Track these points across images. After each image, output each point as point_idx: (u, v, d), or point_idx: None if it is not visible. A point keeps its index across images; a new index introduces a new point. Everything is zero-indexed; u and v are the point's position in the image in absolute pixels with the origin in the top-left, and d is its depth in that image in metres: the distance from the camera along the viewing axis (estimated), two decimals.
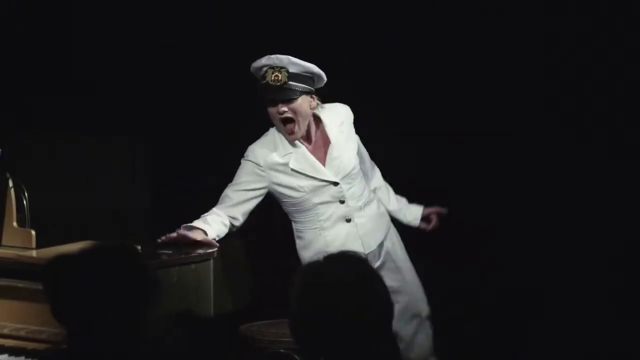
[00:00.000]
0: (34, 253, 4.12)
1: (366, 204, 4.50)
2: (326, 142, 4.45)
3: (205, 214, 4.42)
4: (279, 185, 4.42)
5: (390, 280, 4.36)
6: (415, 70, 5.10)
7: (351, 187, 4.44)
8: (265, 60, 4.33)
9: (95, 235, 3.88)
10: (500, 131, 5.13)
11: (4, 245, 4.19)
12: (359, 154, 4.54)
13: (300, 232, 4.48)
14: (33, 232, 4.16)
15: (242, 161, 4.46)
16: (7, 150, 4.25)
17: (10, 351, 3.99)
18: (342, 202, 4.43)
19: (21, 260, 4.06)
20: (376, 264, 4.45)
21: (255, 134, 4.73)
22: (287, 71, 4.32)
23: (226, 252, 4.46)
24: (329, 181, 4.41)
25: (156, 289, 2.88)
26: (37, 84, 5.38)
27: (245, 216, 4.44)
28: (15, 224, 4.20)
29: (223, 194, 4.45)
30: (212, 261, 4.32)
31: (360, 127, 4.57)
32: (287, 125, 4.36)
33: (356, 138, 4.55)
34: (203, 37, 5.34)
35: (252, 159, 4.43)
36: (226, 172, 4.78)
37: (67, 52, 5.39)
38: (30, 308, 3.98)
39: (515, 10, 5.12)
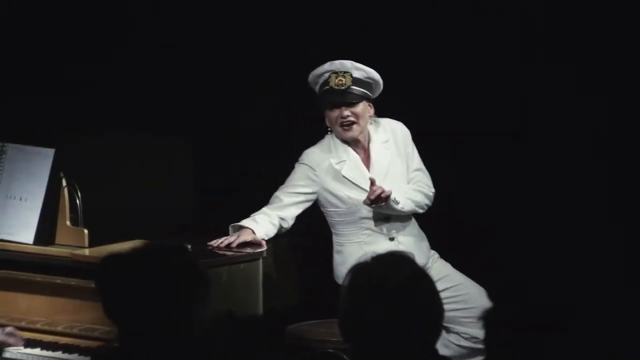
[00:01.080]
0: (86, 252, 4.16)
1: (409, 225, 4.52)
2: (369, 158, 4.49)
3: (255, 214, 4.46)
4: (329, 192, 4.46)
5: (448, 292, 4.39)
6: (414, 70, 5.06)
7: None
8: (328, 66, 4.40)
9: (147, 234, 3.93)
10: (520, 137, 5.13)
11: (58, 244, 4.24)
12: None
13: (341, 245, 4.50)
14: (86, 231, 4.21)
15: (296, 165, 4.51)
16: (60, 149, 4.30)
17: (64, 348, 4.03)
18: (387, 219, 4.46)
19: (74, 258, 4.11)
20: None
21: (301, 136, 4.76)
22: (351, 75, 4.39)
23: (275, 251, 4.48)
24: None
25: (206, 287, 2.90)
26: (89, 83, 5.43)
27: (294, 219, 4.49)
28: (68, 222, 4.25)
29: (274, 195, 4.49)
30: (261, 260, 4.34)
31: None
32: (346, 127, 4.41)
33: (408, 155, 4.53)
34: (254, 39, 5.36)
35: (307, 163, 4.48)
36: (272, 173, 4.81)
37: (118, 51, 5.43)
38: (83, 306, 4.02)
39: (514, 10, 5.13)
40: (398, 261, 2.63)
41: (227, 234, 4.47)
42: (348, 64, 4.39)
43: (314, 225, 4.68)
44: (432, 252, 4.59)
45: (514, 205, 5.10)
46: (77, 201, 4.26)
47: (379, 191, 4.35)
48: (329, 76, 4.39)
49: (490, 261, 4.85)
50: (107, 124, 5.34)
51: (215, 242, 4.37)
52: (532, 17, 5.09)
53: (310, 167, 4.46)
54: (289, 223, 4.48)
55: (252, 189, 5.15)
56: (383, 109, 4.62)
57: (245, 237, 4.37)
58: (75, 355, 4.00)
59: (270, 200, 4.49)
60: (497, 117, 5.13)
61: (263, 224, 4.41)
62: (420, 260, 4.43)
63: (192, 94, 5.43)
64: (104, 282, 2.88)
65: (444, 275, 4.47)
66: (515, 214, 5.11)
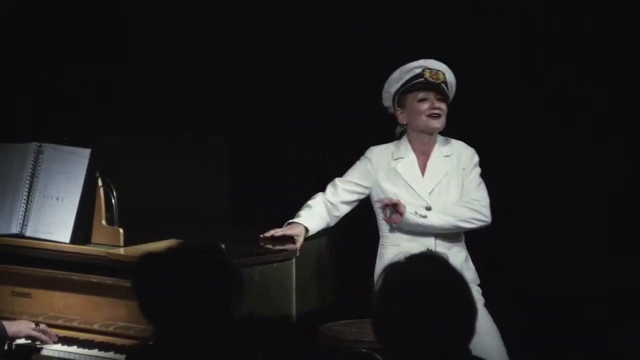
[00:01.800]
0: (122, 251, 4.18)
1: (453, 247, 4.49)
2: (426, 165, 4.54)
3: (311, 203, 4.51)
4: (380, 188, 4.52)
5: None
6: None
7: None
8: (423, 62, 4.50)
9: (181, 234, 3.96)
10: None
11: (94, 243, 4.27)
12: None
13: (383, 247, 4.54)
14: (121, 231, 4.24)
15: (360, 158, 4.60)
16: (96, 150, 4.33)
17: (100, 346, 4.06)
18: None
19: (110, 257, 4.14)
20: None
21: (340, 135, 4.77)
22: (444, 74, 4.50)
23: (308, 251, 4.49)
24: (423, 199, 4.46)
25: (240, 287, 2.92)
26: (125, 83, 5.46)
27: (346, 208, 4.55)
28: (104, 222, 4.28)
29: (331, 183, 4.58)
30: (294, 260, 4.35)
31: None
32: (434, 117, 4.48)
33: (466, 172, 4.53)
34: (295, 39, 5.38)
35: (368, 156, 4.58)
36: (309, 172, 4.82)
37: (155, 51, 5.46)
38: (119, 304, 4.04)
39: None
40: (431, 261, 2.63)
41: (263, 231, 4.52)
42: (442, 65, 4.52)
43: (349, 225, 4.69)
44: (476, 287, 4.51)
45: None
46: (113, 201, 4.29)
47: (386, 201, 4.44)
48: (423, 70, 4.47)
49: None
50: (143, 124, 5.37)
51: (265, 234, 4.45)
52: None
53: (370, 160, 4.56)
54: (339, 212, 4.55)
55: (289, 189, 5.17)
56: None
57: (294, 232, 4.43)
58: (110, 353, 4.02)
59: (327, 187, 4.57)
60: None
61: (316, 218, 4.49)
62: None
63: (229, 93, 5.45)
64: (140, 281, 2.91)
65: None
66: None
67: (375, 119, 4.84)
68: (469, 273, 4.50)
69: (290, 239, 4.44)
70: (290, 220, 4.50)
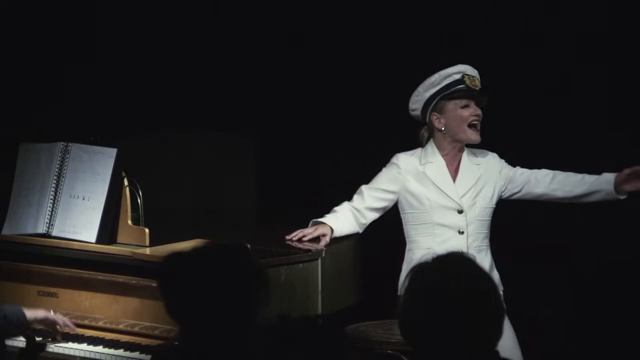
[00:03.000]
0: (147, 251, 4.19)
1: (482, 250, 4.49)
2: (459, 168, 4.53)
3: (338, 208, 4.51)
4: (409, 192, 4.50)
5: None
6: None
7: (474, 223, 4.46)
8: (462, 67, 4.49)
9: (207, 234, 3.95)
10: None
11: (119, 243, 4.29)
12: (522, 179, 4.52)
13: (412, 251, 4.51)
14: (147, 230, 4.24)
15: (386, 165, 4.58)
16: (123, 149, 4.34)
17: (126, 346, 4.07)
18: (461, 232, 4.45)
19: (135, 257, 4.14)
20: None
21: (365, 136, 4.75)
22: (479, 81, 4.50)
23: (335, 251, 4.48)
24: (455, 201, 4.45)
25: (266, 287, 2.91)
26: (151, 82, 5.47)
27: (372, 216, 4.54)
28: (130, 222, 4.29)
29: (358, 190, 4.56)
30: (320, 261, 4.35)
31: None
32: (475, 127, 4.48)
33: (502, 171, 4.53)
34: (318, 39, 5.38)
35: (395, 162, 4.56)
36: (334, 173, 4.81)
37: (181, 50, 5.47)
38: (144, 304, 4.05)
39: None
40: (459, 261, 2.62)
41: (287, 232, 4.51)
42: (476, 72, 4.52)
43: (374, 225, 4.68)
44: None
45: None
46: (139, 200, 4.30)
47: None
48: (463, 77, 4.47)
49: None
50: (170, 123, 5.38)
51: (291, 235, 4.44)
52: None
53: (397, 166, 4.53)
54: (366, 219, 4.53)
55: (316, 190, 5.16)
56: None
57: (321, 231, 4.43)
58: (136, 354, 4.02)
59: (354, 196, 4.55)
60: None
61: (342, 221, 4.48)
62: None
63: (256, 91, 5.45)
64: (166, 281, 2.90)
65: None
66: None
67: (401, 121, 4.83)
68: (494, 272, 4.51)
69: (316, 238, 4.43)
70: (315, 220, 4.49)
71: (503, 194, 4.56)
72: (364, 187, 4.55)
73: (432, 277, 2.57)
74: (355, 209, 4.52)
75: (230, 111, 5.45)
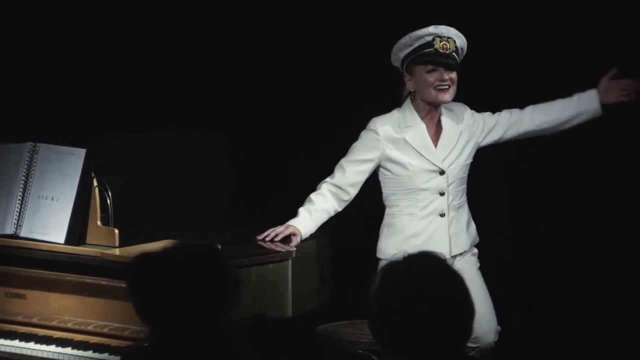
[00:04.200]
0: (117, 251, 4.17)
1: (461, 206, 4.51)
2: (439, 130, 4.49)
3: (313, 196, 4.46)
4: (390, 160, 4.46)
5: None
6: None
7: (454, 182, 4.46)
8: (433, 29, 4.42)
9: (177, 234, 3.94)
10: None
11: (89, 244, 4.26)
12: (490, 127, 4.51)
13: (393, 216, 4.49)
14: (116, 231, 4.22)
15: (362, 132, 4.52)
16: (91, 149, 4.32)
17: (95, 347, 4.05)
18: (442, 194, 4.45)
19: (105, 258, 4.12)
20: None
21: (340, 131, 4.72)
22: (455, 42, 4.42)
23: (305, 251, 4.48)
24: (436, 165, 4.43)
25: (237, 288, 2.90)
26: (120, 81, 5.45)
27: (356, 189, 4.48)
28: (99, 222, 4.27)
29: (337, 165, 4.51)
30: (290, 261, 4.34)
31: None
32: (443, 90, 4.42)
33: (477, 133, 4.51)
34: (284, 35, 5.37)
35: (372, 128, 4.49)
36: (309, 171, 4.79)
37: (149, 49, 5.45)
38: (114, 305, 4.03)
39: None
40: (429, 261, 2.62)
41: (257, 233, 4.49)
42: (453, 31, 4.43)
43: (345, 225, 4.68)
44: (474, 247, 4.55)
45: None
46: (108, 201, 4.28)
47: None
48: (433, 39, 4.40)
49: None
50: (138, 123, 5.36)
51: (262, 235, 4.43)
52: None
53: (375, 131, 4.48)
54: (350, 194, 4.49)
55: (287, 188, 5.15)
56: None
57: (292, 230, 4.42)
58: (105, 355, 4.01)
59: (334, 170, 4.50)
60: None
61: (312, 219, 4.44)
62: (464, 244, 4.47)
63: (227, 91, 5.44)
64: (135, 282, 2.89)
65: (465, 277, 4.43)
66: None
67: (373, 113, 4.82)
68: (472, 227, 4.54)
69: (287, 238, 4.42)
70: (289, 222, 4.47)
71: (482, 144, 4.54)
72: (343, 162, 4.49)
73: (402, 277, 2.58)
74: (338, 186, 4.47)
75: (201, 110, 5.44)
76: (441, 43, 4.40)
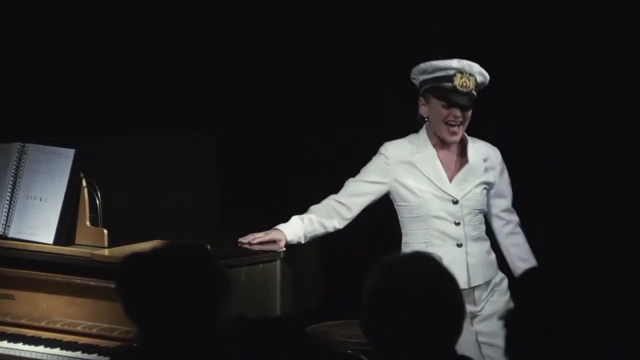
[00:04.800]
0: (106, 252, 4.17)
1: (480, 238, 4.38)
2: (463, 161, 4.37)
3: (313, 207, 4.40)
4: (400, 184, 4.35)
5: (482, 337, 4.29)
6: None
7: (470, 212, 4.34)
8: (456, 64, 4.28)
9: (166, 235, 3.93)
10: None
11: (77, 244, 4.25)
12: (500, 193, 4.42)
13: (408, 245, 4.38)
14: (105, 231, 4.22)
15: (373, 157, 4.43)
16: (80, 150, 4.31)
17: (83, 348, 4.04)
18: (457, 223, 4.32)
19: (94, 258, 4.12)
20: (476, 309, 4.33)
21: (336, 133, 4.71)
22: (476, 80, 4.30)
23: (294, 252, 4.48)
24: (447, 193, 4.33)
25: (226, 288, 2.90)
26: (109, 82, 5.44)
27: (359, 209, 4.39)
28: (88, 223, 4.26)
29: (345, 183, 4.43)
30: (279, 261, 4.34)
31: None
32: (452, 128, 4.31)
33: (496, 178, 4.40)
34: (281, 36, 5.37)
35: (383, 152, 4.40)
36: (298, 172, 4.80)
37: (139, 49, 5.44)
38: (103, 306, 4.03)
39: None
40: (422, 261, 2.62)
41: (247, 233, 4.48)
42: (476, 68, 4.31)
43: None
44: (503, 276, 4.43)
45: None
46: (97, 201, 4.27)
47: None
48: (454, 74, 4.27)
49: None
50: (128, 123, 5.35)
51: (243, 238, 4.38)
52: None
53: (385, 156, 4.38)
54: (352, 212, 4.39)
55: (278, 190, 5.15)
56: None
57: (273, 236, 4.36)
58: (94, 356, 4.00)
59: (341, 189, 4.42)
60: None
61: (303, 226, 4.37)
62: (484, 276, 4.35)
63: (218, 92, 5.43)
64: (124, 282, 2.88)
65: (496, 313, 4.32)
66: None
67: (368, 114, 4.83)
68: (492, 257, 4.40)
69: (271, 242, 4.38)
70: (277, 226, 4.44)
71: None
72: (351, 180, 4.41)
73: (396, 276, 2.58)
74: (341, 203, 4.39)
75: (192, 110, 5.43)
76: (462, 80, 4.27)
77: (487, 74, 4.34)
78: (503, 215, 4.45)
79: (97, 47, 5.44)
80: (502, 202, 4.44)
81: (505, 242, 4.45)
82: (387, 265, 2.59)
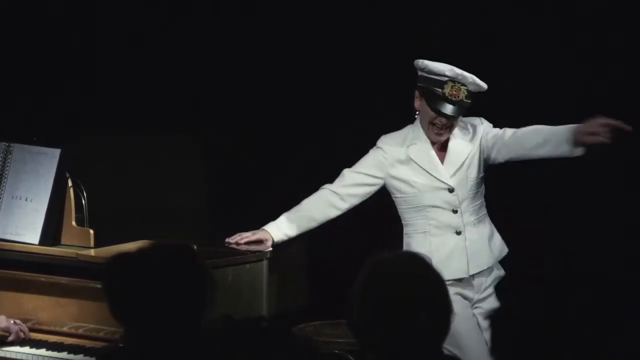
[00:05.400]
0: (92, 252, 4.16)
1: (480, 222, 4.37)
2: (446, 147, 4.36)
3: (305, 201, 4.38)
4: (395, 178, 4.36)
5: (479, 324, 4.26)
6: None
7: (467, 199, 4.33)
8: (449, 72, 4.26)
9: (153, 235, 3.92)
10: None
11: (63, 244, 4.24)
12: (497, 139, 4.34)
13: (408, 235, 4.39)
14: (92, 231, 4.21)
15: (370, 150, 4.42)
16: (66, 150, 4.30)
17: (69, 349, 4.03)
18: (454, 211, 4.32)
19: (80, 258, 4.10)
20: (477, 296, 4.32)
21: (317, 136, 4.71)
22: (467, 89, 4.28)
23: (281, 252, 4.47)
24: (443, 182, 4.32)
25: (213, 288, 2.89)
26: (93, 82, 5.43)
27: (353, 200, 4.38)
28: (74, 223, 4.25)
29: (341, 173, 4.42)
30: (266, 261, 4.34)
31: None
32: (438, 132, 4.32)
33: (484, 141, 4.35)
34: (269, 38, 5.37)
35: (380, 145, 4.39)
36: (285, 172, 4.79)
37: (125, 50, 5.43)
38: (89, 306, 4.02)
39: None
40: (410, 260, 2.63)
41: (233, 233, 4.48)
42: (468, 78, 4.27)
43: (323, 226, 4.67)
44: (502, 271, 4.41)
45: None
46: (83, 201, 4.26)
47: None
48: (446, 82, 4.26)
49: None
50: (113, 123, 5.34)
51: (230, 238, 4.37)
52: None
53: (383, 150, 4.38)
54: (345, 204, 4.39)
55: (265, 190, 5.14)
56: None
57: (260, 236, 4.36)
58: (80, 356, 3.99)
59: (336, 179, 4.41)
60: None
61: (292, 224, 4.37)
62: (487, 261, 4.33)
63: (204, 91, 5.43)
64: (110, 282, 2.88)
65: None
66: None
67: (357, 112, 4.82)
68: (495, 243, 4.38)
69: (258, 242, 4.37)
70: (265, 227, 4.43)
71: (491, 160, 4.38)
72: (346, 171, 4.40)
73: (382, 276, 2.58)
74: (336, 193, 4.38)
75: (178, 110, 5.42)
76: (452, 89, 4.25)
77: (482, 84, 4.31)
78: (507, 135, 4.33)
79: (81, 46, 5.43)
80: (507, 134, 4.33)
81: (530, 136, 4.28)
82: (375, 265, 2.59)
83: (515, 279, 4.47)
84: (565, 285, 2.40)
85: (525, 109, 4.97)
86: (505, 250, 4.43)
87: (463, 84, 4.27)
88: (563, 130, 4.22)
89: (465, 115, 4.38)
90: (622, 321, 2.35)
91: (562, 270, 2.45)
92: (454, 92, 4.26)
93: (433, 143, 4.36)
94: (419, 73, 4.34)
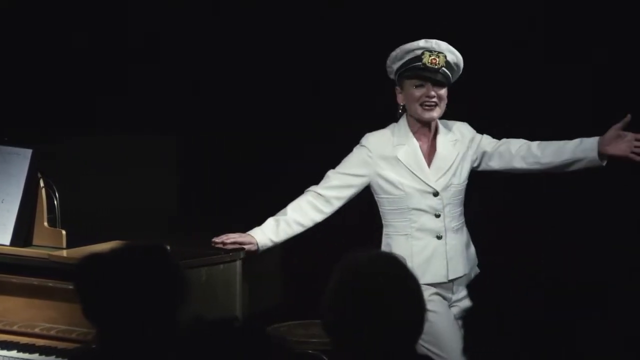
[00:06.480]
0: (64, 253, 4.14)
1: (460, 229, 4.38)
2: (433, 150, 4.37)
3: (291, 205, 4.35)
4: (381, 178, 4.34)
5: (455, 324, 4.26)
6: None
7: (450, 204, 4.33)
8: (423, 43, 4.30)
9: (126, 235, 3.90)
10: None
11: (35, 245, 4.22)
12: (494, 150, 4.37)
13: (389, 236, 4.37)
14: (64, 232, 4.19)
15: (355, 147, 4.40)
16: (38, 150, 4.27)
17: (41, 350, 4.01)
18: (437, 215, 4.32)
19: (52, 259, 4.09)
20: (455, 296, 4.32)
21: (296, 134, 4.69)
22: (445, 57, 4.30)
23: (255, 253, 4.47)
24: (430, 186, 4.32)
25: (186, 288, 2.89)
26: (67, 83, 5.41)
27: (339, 202, 4.35)
28: (46, 223, 4.23)
29: (326, 175, 4.39)
30: (239, 262, 4.33)
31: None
32: (428, 107, 4.31)
33: (473, 150, 4.39)
34: (242, 39, 5.36)
35: (365, 144, 4.37)
36: (258, 173, 4.78)
37: (106, 50, 5.42)
38: (61, 307, 4.00)
39: None
40: (385, 261, 2.63)
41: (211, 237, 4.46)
42: (444, 45, 4.31)
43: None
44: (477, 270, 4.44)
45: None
46: (55, 202, 4.24)
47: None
48: (422, 53, 4.28)
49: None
50: (86, 124, 5.33)
51: (217, 238, 4.33)
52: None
53: (368, 149, 4.36)
54: (332, 206, 4.35)
55: (238, 190, 5.13)
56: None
57: (243, 239, 4.32)
58: (52, 358, 3.98)
59: (321, 181, 4.38)
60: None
61: (277, 230, 4.32)
62: (464, 268, 4.35)
63: (177, 92, 5.41)
64: (83, 283, 2.87)
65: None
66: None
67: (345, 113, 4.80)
68: (471, 251, 4.41)
69: (244, 245, 4.34)
70: (250, 232, 4.40)
71: (475, 167, 4.41)
72: (331, 173, 4.37)
73: (360, 274, 2.59)
74: (321, 195, 4.34)
75: (152, 110, 5.41)
76: (430, 58, 4.28)
77: (457, 53, 4.34)
78: (513, 148, 4.36)
79: (53, 45, 5.41)
80: (503, 148, 4.37)
81: (543, 153, 4.34)
82: (350, 265, 2.59)
83: (488, 280, 4.48)
84: (537, 285, 2.41)
85: (525, 110, 5.01)
86: (477, 261, 4.43)
87: (440, 52, 4.30)
88: (590, 146, 4.29)
89: (450, 119, 4.40)
90: (578, 322, 2.37)
91: (528, 272, 2.47)
92: (433, 60, 4.28)
93: (421, 145, 4.36)
94: (395, 66, 4.34)
